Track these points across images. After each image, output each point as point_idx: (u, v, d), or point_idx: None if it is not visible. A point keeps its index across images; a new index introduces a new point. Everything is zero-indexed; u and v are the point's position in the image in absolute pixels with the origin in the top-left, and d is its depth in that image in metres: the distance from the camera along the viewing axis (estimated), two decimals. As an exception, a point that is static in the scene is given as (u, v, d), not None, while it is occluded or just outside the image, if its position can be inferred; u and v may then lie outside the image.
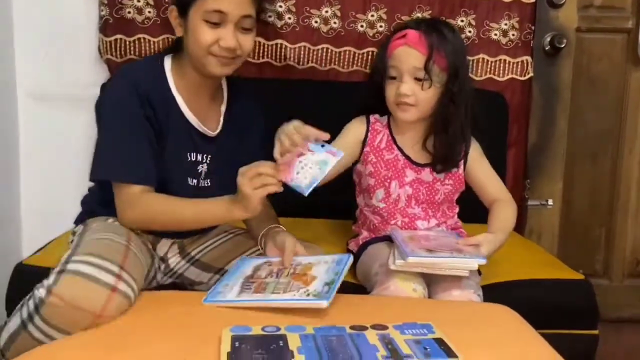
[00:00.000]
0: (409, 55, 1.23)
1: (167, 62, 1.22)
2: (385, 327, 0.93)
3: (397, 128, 1.35)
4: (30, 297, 0.99)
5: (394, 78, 1.26)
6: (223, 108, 1.27)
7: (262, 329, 0.91)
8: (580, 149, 2.00)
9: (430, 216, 1.35)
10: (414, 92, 1.23)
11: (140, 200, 1.12)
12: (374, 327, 0.93)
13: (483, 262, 1.11)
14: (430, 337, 0.90)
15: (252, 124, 1.31)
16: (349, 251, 1.43)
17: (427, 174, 1.34)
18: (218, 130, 1.24)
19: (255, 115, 1.33)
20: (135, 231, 1.17)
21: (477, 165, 1.34)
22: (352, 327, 0.92)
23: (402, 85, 1.23)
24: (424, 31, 1.23)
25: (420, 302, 1.11)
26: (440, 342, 0.89)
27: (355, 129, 1.36)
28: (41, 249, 1.42)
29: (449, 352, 0.86)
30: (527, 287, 1.31)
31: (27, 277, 1.17)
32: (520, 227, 1.95)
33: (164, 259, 1.28)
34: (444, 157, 1.30)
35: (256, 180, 1.03)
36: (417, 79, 1.23)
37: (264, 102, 1.36)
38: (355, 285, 1.29)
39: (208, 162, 1.23)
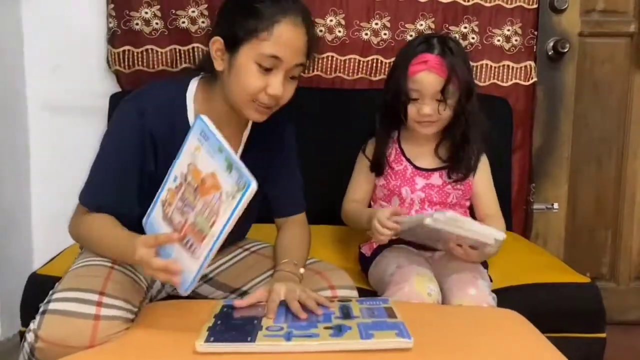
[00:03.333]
0: (431, 79, 1.30)
1: (192, 87, 1.14)
2: (349, 300, 1.08)
3: (408, 140, 1.41)
4: (24, 340, 1.00)
5: (415, 99, 1.32)
6: (245, 135, 1.19)
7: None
8: (584, 152, 2.01)
9: None
10: (435, 113, 1.32)
11: (82, 217, 1.10)
12: (340, 300, 1.07)
13: (503, 236, 1.19)
14: (383, 306, 1.04)
15: (281, 149, 1.24)
16: (361, 255, 1.45)
17: (436, 178, 1.39)
18: None
19: (285, 139, 1.25)
20: None
21: (481, 179, 1.41)
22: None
23: (424, 107, 1.31)
24: (441, 55, 1.31)
25: (430, 308, 1.13)
26: (389, 310, 1.02)
27: (363, 166, 1.43)
28: (53, 258, 1.45)
29: (391, 314, 1.00)
30: (534, 291, 1.32)
31: (40, 286, 1.19)
32: (526, 231, 1.96)
33: None
34: (453, 164, 1.37)
35: (158, 273, 0.97)
36: (437, 100, 1.32)
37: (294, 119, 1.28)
38: (366, 292, 1.30)
39: None
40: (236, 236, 1.27)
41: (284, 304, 1.03)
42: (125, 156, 1.09)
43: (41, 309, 0.99)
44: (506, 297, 1.24)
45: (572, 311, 1.32)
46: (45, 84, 1.84)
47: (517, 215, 1.92)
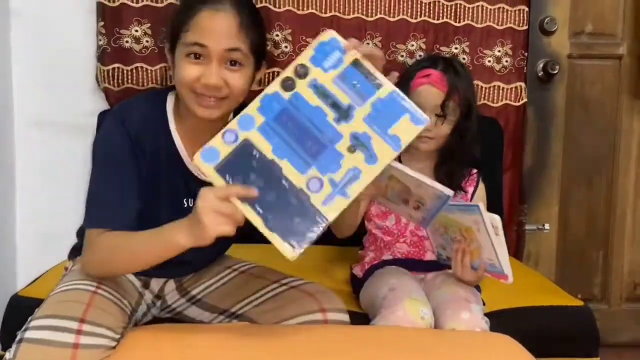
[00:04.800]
0: (431, 93, 1.31)
1: (170, 99, 1.13)
2: (306, 70, 0.95)
3: (407, 157, 1.40)
4: None
5: None
6: None
7: (224, 142, 0.94)
8: (575, 173, 2.01)
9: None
10: (433, 127, 1.32)
11: (96, 241, 1.04)
12: (298, 76, 0.95)
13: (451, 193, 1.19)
14: (348, 64, 0.95)
15: None
16: (352, 276, 1.43)
17: None
18: None
19: None
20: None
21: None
22: (282, 86, 0.95)
23: None
24: (444, 70, 1.32)
25: (423, 332, 1.11)
26: (359, 66, 0.95)
27: None
28: (36, 279, 1.41)
29: (373, 81, 0.94)
30: (526, 315, 1.31)
31: (22, 309, 1.15)
32: (518, 252, 1.95)
33: (159, 296, 1.23)
34: (448, 182, 1.35)
35: (220, 217, 0.89)
36: (437, 115, 1.32)
37: None
38: (357, 314, 1.27)
39: None
40: (218, 247, 1.23)
41: (276, 124, 0.94)
42: (118, 168, 1.06)
43: (18, 337, 0.95)
44: (499, 320, 1.22)
45: (565, 335, 1.31)
46: (33, 100, 1.81)
47: (509, 237, 1.91)
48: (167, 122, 1.11)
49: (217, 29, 1.03)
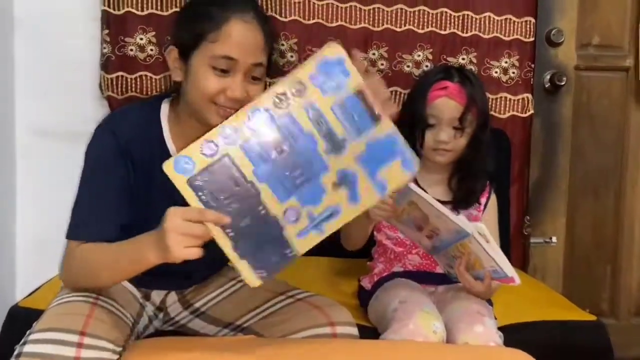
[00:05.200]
0: (450, 106, 1.31)
1: (165, 107, 1.11)
2: (303, 87, 0.90)
3: (422, 168, 1.36)
4: None
5: (432, 125, 1.32)
6: None
7: (203, 154, 0.89)
8: (582, 185, 1.99)
9: None
10: (451, 140, 1.31)
11: (72, 253, 1.02)
12: (293, 94, 0.89)
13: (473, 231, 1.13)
14: (350, 92, 0.89)
15: None
16: (360, 289, 1.40)
17: None
18: None
19: None
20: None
21: (490, 217, 1.40)
22: (275, 104, 0.90)
23: (441, 134, 1.31)
24: (460, 82, 1.32)
25: (435, 347, 1.08)
26: (361, 97, 0.90)
27: None
28: (36, 290, 1.38)
29: (372, 115, 0.90)
30: (539, 329, 1.28)
31: (22, 320, 1.13)
32: (524, 265, 1.93)
33: (161, 308, 1.20)
34: (465, 197, 1.36)
35: (187, 239, 0.86)
36: (455, 128, 1.31)
37: None
38: (366, 328, 1.24)
39: None
40: (219, 259, 1.21)
41: (259, 145, 0.88)
42: (104, 179, 1.04)
43: (16, 352, 0.92)
44: (511, 334, 1.19)
45: (579, 350, 1.28)
46: (35, 108, 1.79)
47: (516, 249, 1.89)
48: (161, 130, 1.09)
49: (247, 43, 1.01)
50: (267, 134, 0.88)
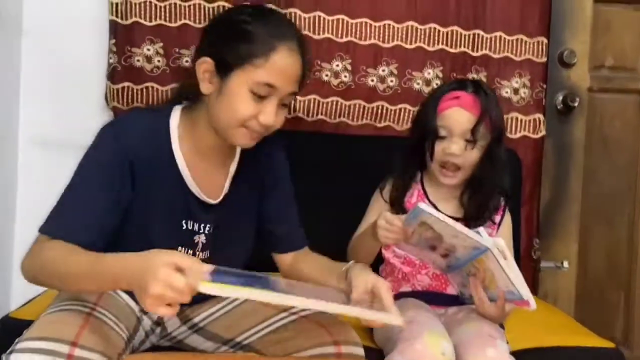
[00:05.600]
0: (461, 116, 1.25)
1: (175, 115, 1.07)
2: None
3: (432, 183, 1.34)
4: None
5: (442, 137, 1.26)
6: (232, 168, 1.12)
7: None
8: (595, 209, 1.94)
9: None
10: (462, 153, 1.25)
11: (41, 247, 0.95)
12: None
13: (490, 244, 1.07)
14: None
15: (274, 180, 1.16)
16: None
17: None
18: (221, 198, 1.09)
19: (277, 169, 1.17)
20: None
21: (504, 236, 1.31)
22: None
23: (452, 146, 1.25)
24: (475, 93, 1.26)
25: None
26: None
27: (378, 206, 1.35)
28: (31, 300, 1.34)
29: None
30: (553, 356, 1.22)
31: (13, 330, 1.07)
32: (533, 289, 1.87)
33: (159, 323, 1.14)
34: (477, 214, 1.30)
35: (171, 295, 0.80)
36: (466, 140, 1.25)
37: (288, 154, 1.21)
38: (371, 350, 1.19)
39: (207, 232, 1.09)
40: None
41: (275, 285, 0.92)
42: (97, 183, 0.99)
43: (3, 358, 0.87)
44: (527, 359, 1.13)
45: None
46: (39, 117, 1.77)
47: (525, 273, 1.82)
48: (169, 139, 1.05)
49: (290, 73, 1.00)
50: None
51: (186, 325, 1.16)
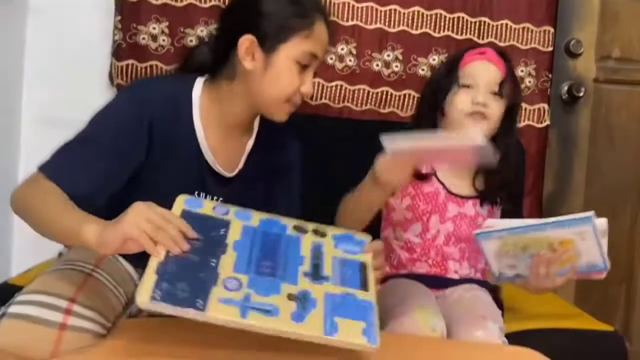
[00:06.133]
0: (488, 69, 1.24)
1: (198, 85, 1.08)
2: (324, 235, 0.98)
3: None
4: None
5: (467, 87, 1.23)
6: (249, 146, 1.13)
7: (213, 209, 0.96)
8: (598, 201, 1.93)
9: (464, 258, 1.29)
10: (489, 103, 1.22)
11: (35, 182, 0.95)
12: (315, 231, 0.98)
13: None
14: (358, 260, 0.95)
15: (286, 169, 1.17)
16: None
17: (469, 207, 1.29)
18: (237, 171, 1.11)
19: (290, 159, 1.18)
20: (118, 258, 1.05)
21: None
22: (294, 227, 0.98)
23: (479, 95, 1.22)
24: (499, 55, 1.27)
25: (435, 342, 1.01)
26: (363, 271, 0.93)
27: None
28: (30, 269, 1.34)
29: (363, 280, 0.91)
30: (554, 336, 1.21)
31: (10, 297, 1.08)
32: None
33: None
34: (491, 191, 1.27)
35: (146, 226, 0.83)
36: (493, 93, 1.23)
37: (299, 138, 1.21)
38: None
39: None
40: None
41: (250, 237, 0.93)
42: (107, 140, 0.99)
43: (0, 312, 0.87)
44: (524, 341, 1.11)
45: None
46: (42, 95, 1.77)
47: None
48: (190, 109, 1.06)
49: (325, 41, 1.06)
50: (270, 235, 0.95)
51: None
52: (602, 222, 1.10)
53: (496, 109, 1.23)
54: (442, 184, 1.28)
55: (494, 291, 1.28)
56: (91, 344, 0.86)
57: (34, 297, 0.88)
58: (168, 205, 1.01)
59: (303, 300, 0.84)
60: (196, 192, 1.07)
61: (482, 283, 1.28)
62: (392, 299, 1.17)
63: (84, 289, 0.92)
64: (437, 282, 1.28)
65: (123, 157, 1.00)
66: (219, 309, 0.80)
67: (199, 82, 1.08)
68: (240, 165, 1.11)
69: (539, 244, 1.11)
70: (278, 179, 1.16)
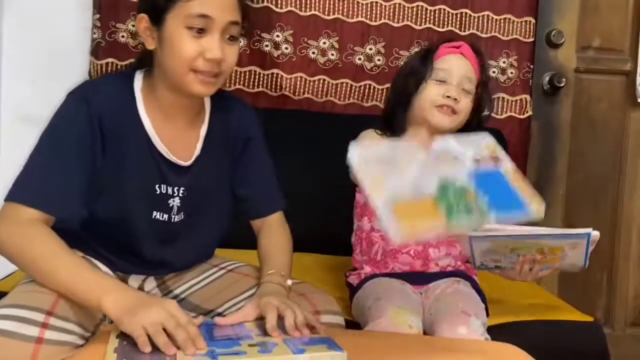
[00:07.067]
0: (462, 64, 1.23)
1: (138, 78, 1.05)
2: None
3: (410, 140, 1.27)
4: None
5: (441, 81, 1.22)
6: (203, 131, 1.09)
7: None
8: (580, 190, 1.95)
9: (442, 243, 1.28)
10: (460, 99, 1.21)
11: (24, 225, 0.92)
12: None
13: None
14: None
15: (244, 141, 1.13)
16: (348, 284, 1.34)
17: None
18: (193, 159, 1.07)
19: (248, 130, 1.14)
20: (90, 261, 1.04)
21: None
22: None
23: (452, 89, 1.21)
24: (473, 49, 1.25)
25: (415, 338, 1.02)
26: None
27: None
28: (11, 274, 1.33)
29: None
30: (533, 328, 1.22)
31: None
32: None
33: None
34: None
35: (157, 327, 0.83)
36: (463, 89, 1.22)
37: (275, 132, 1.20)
38: (349, 323, 1.19)
39: (181, 195, 1.06)
40: (201, 251, 1.17)
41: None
42: (72, 148, 0.96)
43: None
44: (504, 333, 1.13)
45: (574, 350, 1.22)
46: (22, 94, 1.75)
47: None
48: (134, 102, 1.03)
49: (215, 0, 0.97)
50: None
51: (167, 296, 1.14)
52: (596, 234, 1.12)
53: (466, 104, 1.22)
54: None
55: (476, 282, 1.29)
56: (68, 356, 0.86)
57: (10, 311, 0.86)
58: (133, 203, 1.02)
59: (264, 345, 0.87)
60: (157, 186, 1.05)
61: (463, 275, 1.29)
62: (369, 301, 1.17)
63: (61, 299, 0.90)
64: (419, 278, 1.28)
65: (87, 162, 0.98)
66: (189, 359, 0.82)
67: (139, 75, 1.06)
68: (197, 152, 1.08)
69: (529, 248, 1.13)
70: (240, 156, 1.13)
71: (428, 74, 1.22)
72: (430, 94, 1.22)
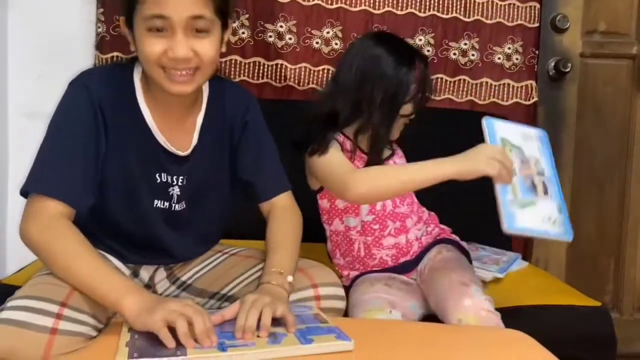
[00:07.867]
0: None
1: (138, 69, 1.06)
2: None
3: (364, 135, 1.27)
4: None
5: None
6: (199, 120, 1.09)
7: None
8: (587, 176, 1.94)
9: (414, 212, 1.31)
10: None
11: (51, 221, 0.95)
12: None
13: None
14: (309, 313, 0.98)
15: (242, 126, 1.13)
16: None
17: (399, 160, 1.34)
18: (190, 149, 1.08)
19: (244, 114, 1.13)
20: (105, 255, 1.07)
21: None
22: None
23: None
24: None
25: (428, 327, 1.03)
26: (317, 316, 0.96)
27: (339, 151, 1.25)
28: (24, 267, 1.34)
29: (321, 320, 0.94)
30: (541, 313, 1.23)
31: (7, 296, 1.09)
32: (525, 256, 1.88)
33: (149, 285, 1.15)
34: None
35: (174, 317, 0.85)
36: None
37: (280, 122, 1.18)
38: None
39: (181, 184, 1.08)
40: (205, 242, 1.19)
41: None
42: (80, 139, 0.99)
43: None
44: (512, 317, 1.14)
45: (581, 335, 1.23)
46: (28, 89, 1.76)
47: (517, 238, 1.84)
48: (134, 93, 1.05)
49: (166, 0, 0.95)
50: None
51: (175, 284, 1.17)
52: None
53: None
54: (363, 151, 1.26)
55: (456, 242, 1.32)
56: (82, 347, 0.87)
57: (25, 302, 0.88)
58: (138, 186, 1.04)
59: (273, 336, 0.89)
60: (157, 175, 1.07)
61: (442, 240, 1.32)
62: (354, 298, 1.20)
63: (75, 291, 0.92)
64: (404, 267, 1.29)
65: (95, 149, 1.01)
66: (198, 353, 0.83)
67: (139, 66, 1.07)
68: (194, 142, 1.09)
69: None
70: (240, 142, 1.14)
71: (408, 92, 1.22)
72: (406, 112, 1.25)
